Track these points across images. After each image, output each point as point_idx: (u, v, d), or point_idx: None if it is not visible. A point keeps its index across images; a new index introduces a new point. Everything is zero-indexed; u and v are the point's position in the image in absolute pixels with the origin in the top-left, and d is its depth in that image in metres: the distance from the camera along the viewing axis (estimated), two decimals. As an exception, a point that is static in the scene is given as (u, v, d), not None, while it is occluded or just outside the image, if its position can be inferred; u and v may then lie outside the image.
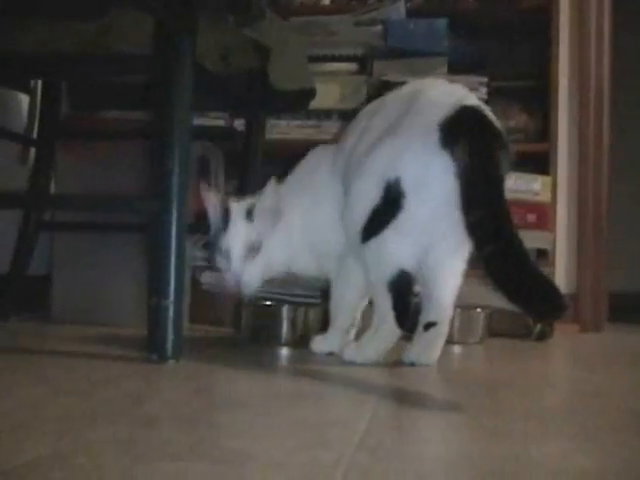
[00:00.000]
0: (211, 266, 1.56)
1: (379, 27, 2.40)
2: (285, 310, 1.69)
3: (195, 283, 1.90)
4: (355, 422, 0.89)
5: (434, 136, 1.31)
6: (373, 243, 1.38)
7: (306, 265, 1.59)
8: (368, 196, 1.37)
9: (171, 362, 1.31)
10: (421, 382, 1.29)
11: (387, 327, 1.40)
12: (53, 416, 0.90)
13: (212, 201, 1.53)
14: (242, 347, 1.62)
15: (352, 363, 1.40)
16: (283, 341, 1.65)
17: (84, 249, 2.00)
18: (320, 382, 1.26)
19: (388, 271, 1.38)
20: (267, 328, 1.68)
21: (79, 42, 1.51)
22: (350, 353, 1.44)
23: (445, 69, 2.31)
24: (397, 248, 1.37)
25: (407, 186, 1.33)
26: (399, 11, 2.44)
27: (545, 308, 1.17)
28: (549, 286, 1.16)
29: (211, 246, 1.54)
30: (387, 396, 1.14)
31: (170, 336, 1.31)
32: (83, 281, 2.00)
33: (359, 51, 2.41)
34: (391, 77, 2.29)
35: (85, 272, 2.00)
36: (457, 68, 2.29)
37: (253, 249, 1.50)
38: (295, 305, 1.71)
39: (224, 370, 1.32)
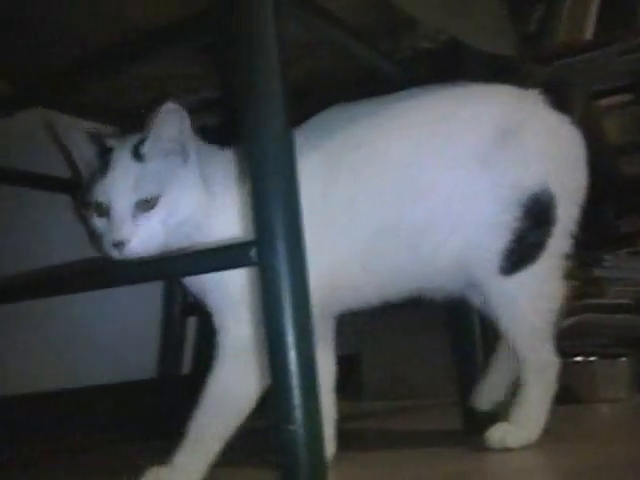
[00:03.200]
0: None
1: (646, 52, 2.25)
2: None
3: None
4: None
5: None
6: (532, 272, 1.17)
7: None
8: (498, 220, 1.16)
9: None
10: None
11: (550, 387, 1.21)
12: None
13: (72, 136, 1.12)
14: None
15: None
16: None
17: (389, 326, 2.06)
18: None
19: (560, 298, 1.20)
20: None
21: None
22: (511, 438, 1.17)
23: None
24: (560, 270, 1.21)
25: (557, 193, 1.19)
26: (666, 30, 2.28)
27: None
28: None
29: (82, 203, 1.11)
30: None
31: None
32: (391, 358, 2.06)
33: (630, 80, 2.28)
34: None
35: (392, 348, 2.05)
36: None
37: (145, 201, 1.06)
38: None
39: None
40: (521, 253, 1.17)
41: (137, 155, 1.08)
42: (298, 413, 0.87)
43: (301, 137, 1.08)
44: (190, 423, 1.06)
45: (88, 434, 1.55)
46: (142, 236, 1.05)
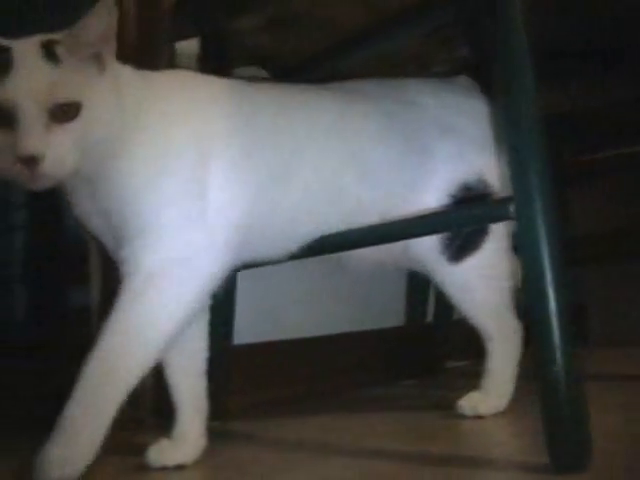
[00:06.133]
0: None
1: None
2: None
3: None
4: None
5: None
6: (480, 256, 1.14)
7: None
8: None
9: None
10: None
11: (517, 354, 1.20)
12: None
13: None
14: None
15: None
16: None
17: (616, 277, 1.99)
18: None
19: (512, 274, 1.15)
20: None
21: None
22: (472, 406, 1.18)
23: None
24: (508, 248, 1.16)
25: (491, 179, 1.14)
26: None
27: None
28: None
29: None
30: None
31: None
32: (617, 306, 1.98)
33: None
34: None
35: (618, 297, 1.98)
36: None
37: (63, 108, 0.82)
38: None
39: None
40: (464, 241, 1.14)
41: (50, 56, 0.84)
42: (559, 355, 0.87)
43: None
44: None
45: (344, 377, 1.62)
46: (58, 152, 0.81)
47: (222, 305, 1.33)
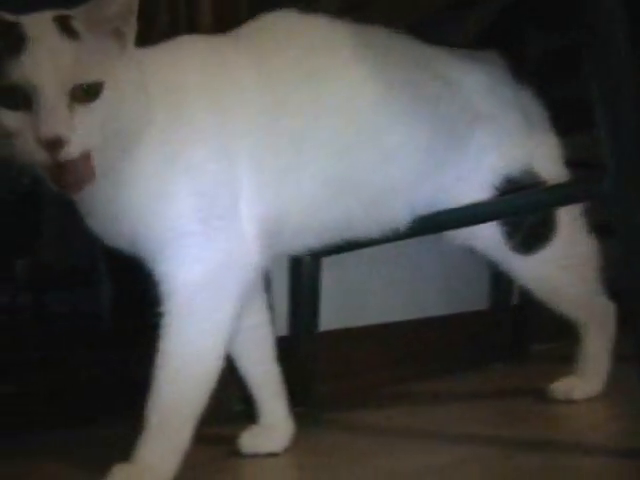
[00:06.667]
0: None
1: None
2: None
3: None
4: None
5: None
6: (554, 248, 1.07)
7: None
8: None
9: None
10: None
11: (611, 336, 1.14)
12: None
13: None
14: None
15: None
16: None
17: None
18: None
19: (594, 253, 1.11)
20: None
21: None
22: (566, 390, 1.15)
23: None
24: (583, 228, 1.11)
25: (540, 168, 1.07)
26: None
27: None
28: None
29: None
30: None
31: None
32: None
33: None
34: None
35: None
36: None
37: (84, 89, 0.75)
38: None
39: None
40: (529, 233, 1.07)
41: (67, 31, 0.77)
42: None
43: None
44: None
45: (429, 362, 1.60)
46: (82, 135, 0.74)
47: (307, 292, 1.34)
